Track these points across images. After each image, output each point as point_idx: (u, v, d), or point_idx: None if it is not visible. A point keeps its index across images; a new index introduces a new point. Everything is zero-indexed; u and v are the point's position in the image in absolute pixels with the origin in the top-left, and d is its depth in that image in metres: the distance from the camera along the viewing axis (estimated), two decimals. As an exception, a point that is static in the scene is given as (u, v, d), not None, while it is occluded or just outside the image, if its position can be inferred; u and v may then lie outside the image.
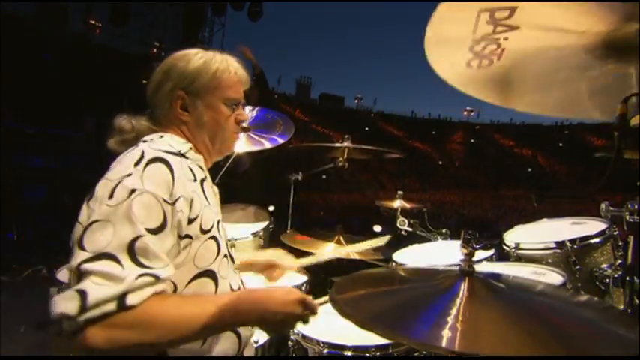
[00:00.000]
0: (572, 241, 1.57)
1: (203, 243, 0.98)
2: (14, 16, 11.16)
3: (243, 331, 1.06)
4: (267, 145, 2.46)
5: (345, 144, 2.31)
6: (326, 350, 1.24)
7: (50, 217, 5.83)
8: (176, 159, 0.99)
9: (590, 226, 1.72)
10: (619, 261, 1.54)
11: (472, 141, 34.17)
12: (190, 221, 0.95)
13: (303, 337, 1.30)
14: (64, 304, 0.80)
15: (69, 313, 0.79)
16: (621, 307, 1.49)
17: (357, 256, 2.16)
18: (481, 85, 0.98)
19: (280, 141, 2.49)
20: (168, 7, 16.78)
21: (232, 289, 1.08)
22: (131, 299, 0.81)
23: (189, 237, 0.95)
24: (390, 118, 34.69)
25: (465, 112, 35.19)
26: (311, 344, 1.27)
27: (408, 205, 2.57)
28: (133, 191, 0.87)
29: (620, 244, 1.59)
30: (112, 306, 0.80)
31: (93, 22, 16.00)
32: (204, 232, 0.99)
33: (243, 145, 2.39)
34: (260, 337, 1.45)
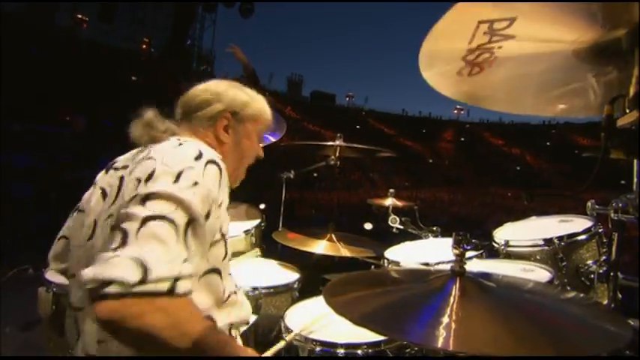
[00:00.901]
0: (560, 238, 1.61)
1: (220, 242, 1.03)
2: (0, 11, 10.89)
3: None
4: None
5: (337, 142, 2.32)
6: (318, 348, 1.25)
7: (37, 216, 5.73)
8: (223, 165, 1.03)
9: (576, 224, 1.75)
10: (603, 257, 1.58)
11: (462, 139, 34.50)
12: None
13: (293, 334, 1.30)
14: (123, 270, 0.77)
15: (128, 281, 0.76)
16: (605, 302, 1.53)
17: (349, 254, 2.17)
18: (470, 92, 1.00)
19: (272, 139, 2.49)
20: (158, 3, 16.54)
21: (228, 292, 1.11)
22: (180, 287, 0.80)
23: (223, 236, 1.03)
24: (381, 116, 34.80)
25: (455, 111, 35.48)
26: (303, 342, 1.28)
27: (399, 203, 2.60)
28: (196, 183, 0.91)
29: (604, 241, 1.63)
30: (164, 286, 0.78)
31: (80, 16, 15.69)
32: (222, 235, 1.04)
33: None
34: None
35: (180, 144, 1.03)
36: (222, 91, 1.23)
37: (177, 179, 0.90)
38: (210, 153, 1.02)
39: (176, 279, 0.80)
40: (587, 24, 0.78)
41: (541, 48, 0.86)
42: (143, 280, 0.77)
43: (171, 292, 0.79)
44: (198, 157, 0.97)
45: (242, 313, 1.16)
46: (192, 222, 0.88)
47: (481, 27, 0.79)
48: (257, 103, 1.28)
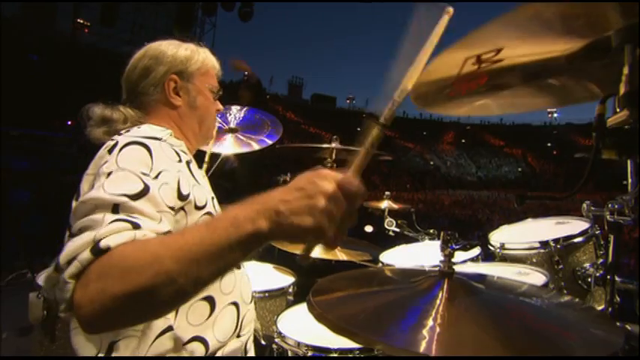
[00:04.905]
0: (556, 240, 1.58)
1: (200, 218, 0.97)
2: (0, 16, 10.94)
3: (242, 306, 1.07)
4: (256, 146, 2.44)
5: (333, 144, 2.30)
6: (310, 353, 1.23)
7: (35, 220, 5.72)
8: (155, 142, 0.97)
9: (573, 226, 1.73)
10: (601, 260, 1.55)
11: (463, 141, 34.48)
12: (181, 197, 0.92)
13: (284, 338, 1.28)
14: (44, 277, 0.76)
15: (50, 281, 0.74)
16: (602, 306, 1.51)
17: (346, 258, 2.15)
18: (461, 105, 1.00)
19: (269, 142, 2.47)
20: (158, 7, 16.64)
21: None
22: (105, 242, 0.70)
23: (183, 210, 0.93)
24: (382, 118, 34.88)
25: (456, 113, 35.47)
26: (293, 347, 1.26)
27: (395, 206, 2.58)
28: (109, 174, 0.85)
29: (602, 243, 1.60)
30: (86, 254, 0.69)
31: (81, 21, 15.78)
32: (198, 208, 0.97)
33: (231, 146, 2.37)
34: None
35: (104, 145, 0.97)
36: (158, 52, 1.14)
37: (92, 184, 0.86)
38: (127, 137, 0.95)
39: (98, 240, 0.71)
40: (576, 36, 0.76)
41: (532, 59, 0.84)
42: (57, 266, 0.70)
43: (96, 253, 0.69)
44: (112, 147, 0.92)
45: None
46: (117, 204, 0.79)
47: (469, 60, 0.78)
48: (200, 55, 1.19)
